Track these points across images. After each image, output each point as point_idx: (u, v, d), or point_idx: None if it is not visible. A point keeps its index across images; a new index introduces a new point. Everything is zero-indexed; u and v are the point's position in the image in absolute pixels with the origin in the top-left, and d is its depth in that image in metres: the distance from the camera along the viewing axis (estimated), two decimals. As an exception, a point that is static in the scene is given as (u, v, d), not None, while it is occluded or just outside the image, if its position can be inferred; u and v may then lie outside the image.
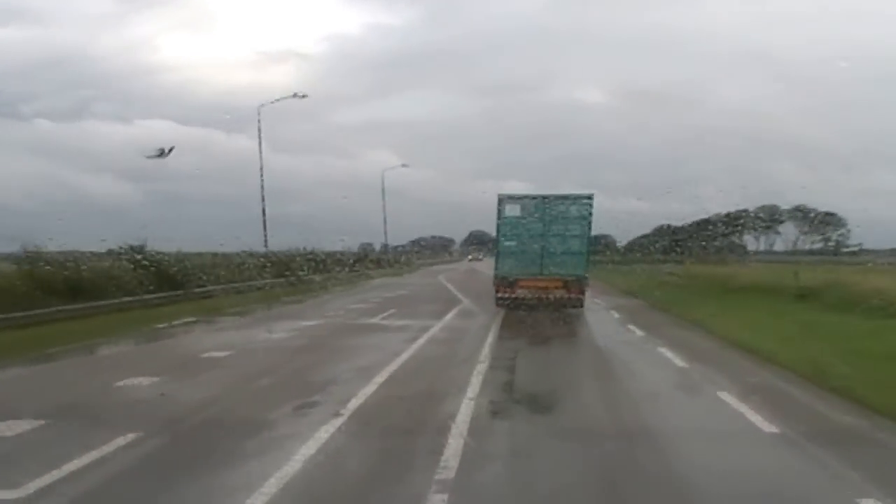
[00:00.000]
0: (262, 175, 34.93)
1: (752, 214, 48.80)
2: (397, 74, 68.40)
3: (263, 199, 34.32)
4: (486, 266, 35.30)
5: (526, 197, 21.42)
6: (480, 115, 62.41)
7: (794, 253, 52.94)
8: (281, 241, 35.32)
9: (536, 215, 20.99)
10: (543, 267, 20.91)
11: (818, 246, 54.97)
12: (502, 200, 21.00)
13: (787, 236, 56.45)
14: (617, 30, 62.59)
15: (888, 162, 56.11)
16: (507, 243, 21.17)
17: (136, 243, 24.30)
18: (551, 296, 20.78)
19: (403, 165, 48.59)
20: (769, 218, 51.59)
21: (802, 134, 54.88)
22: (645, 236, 40.30)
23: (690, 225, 39.57)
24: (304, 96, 35.25)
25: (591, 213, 20.87)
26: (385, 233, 47.46)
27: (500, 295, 21.14)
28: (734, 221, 46.33)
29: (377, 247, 55.71)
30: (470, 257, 68.28)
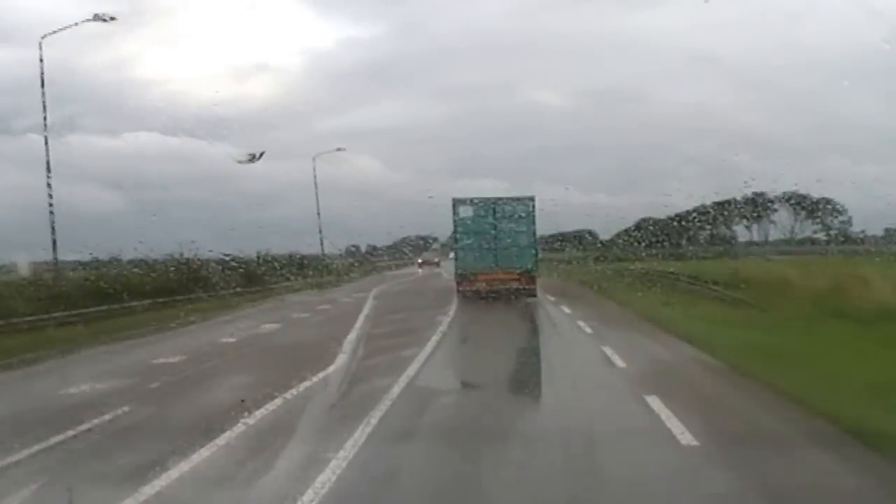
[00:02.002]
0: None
1: (740, 203, 49.52)
2: (370, 84, 72.35)
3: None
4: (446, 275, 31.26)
5: (477, 199, 24.03)
6: (453, 119, 65.81)
7: (792, 242, 53.46)
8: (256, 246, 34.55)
9: (487, 216, 23.64)
10: (497, 261, 23.51)
11: (820, 235, 54.88)
12: (456, 203, 23.65)
13: (781, 225, 56.38)
14: (576, 35, 65.39)
15: (841, 149, 57.46)
16: (464, 241, 23.83)
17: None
18: (507, 287, 23.41)
19: (339, 149, 38.56)
20: (760, 206, 52.22)
21: (755, 125, 56.38)
22: (627, 231, 41.88)
23: (673, 217, 40.98)
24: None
25: (534, 213, 23.55)
26: (321, 238, 38.25)
27: (461, 288, 23.82)
28: (721, 211, 47.50)
29: (363, 248, 51.09)
30: (420, 260, 49.97)
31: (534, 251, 23.83)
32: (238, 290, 26.18)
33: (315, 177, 38.46)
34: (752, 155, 52.35)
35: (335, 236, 47.48)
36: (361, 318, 19.20)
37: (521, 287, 23.28)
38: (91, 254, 24.52)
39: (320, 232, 38.18)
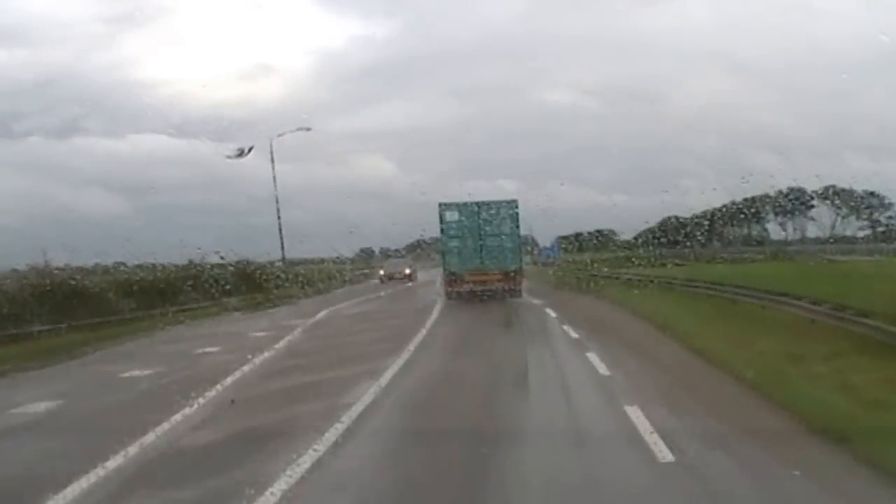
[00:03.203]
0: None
1: (772, 198, 47.97)
2: (381, 84, 71.87)
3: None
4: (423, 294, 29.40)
5: (463, 204, 24.88)
6: (465, 119, 65.02)
7: (839, 241, 51.13)
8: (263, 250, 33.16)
9: (473, 219, 24.47)
10: (483, 262, 24.32)
11: (866, 232, 52.41)
12: (442, 208, 24.63)
13: (821, 222, 53.89)
14: (590, 33, 64.29)
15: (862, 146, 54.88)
16: (451, 244, 24.71)
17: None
18: (493, 287, 24.21)
19: (302, 128, 31.98)
20: (796, 202, 50.49)
21: (775, 124, 54.38)
22: (649, 230, 41.40)
23: (699, 215, 40.28)
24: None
25: (518, 216, 24.34)
26: (281, 239, 32.95)
27: (449, 289, 24.77)
28: (753, 208, 46.38)
29: (377, 251, 47.55)
30: (383, 272, 40.19)
31: (518, 252, 24.57)
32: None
33: (273, 161, 32.08)
34: (774, 153, 50.99)
35: (348, 239, 46.29)
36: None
37: (507, 287, 24.03)
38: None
39: (280, 232, 32.82)
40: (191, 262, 26.19)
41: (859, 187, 47.88)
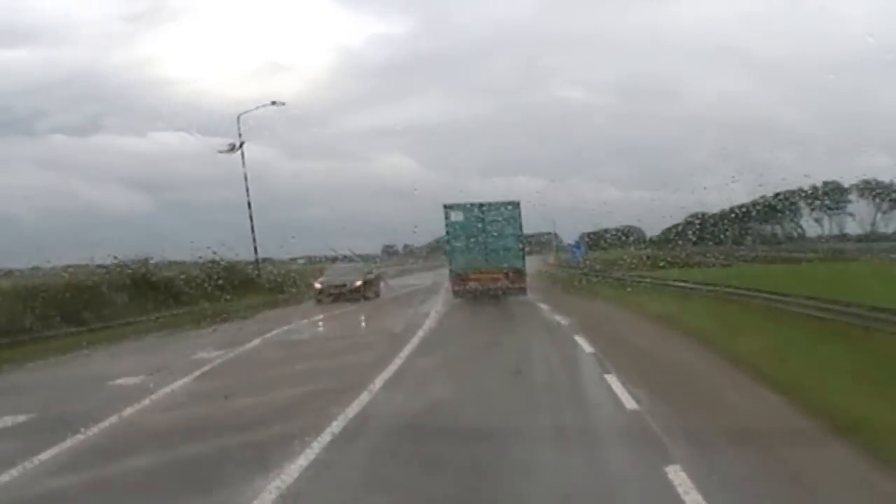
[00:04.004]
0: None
1: (807, 193, 46.48)
2: (400, 81, 71.92)
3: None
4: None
5: (467, 205, 25.32)
6: (484, 116, 64.73)
7: (879, 238, 49.34)
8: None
9: (477, 220, 24.93)
10: (487, 262, 24.75)
11: None
12: (447, 209, 25.13)
13: (860, 217, 51.83)
14: (610, 29, 63.42)
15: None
16: (456, 244, 25.20)
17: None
18: (497, 285, 24.66)
19: (275, 103, 28.49)
20: (831, 197, 48.90)
21: (788, 120, 52.68)
22: (675, 227, 40.62)
23: (728, 211, 39.41)
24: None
25: (520, 215, 24.81)
26: (253, 234, 29.68)
27: (455, 288, 25.32)
28: (785, 203, 45.20)
29: (400, 249, 45.70)
30: (319, 284, 27.69)
31: (521, 251, 25.02)
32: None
33: (241, 142, 28.74)
34: (795, 151, 49.70)
35: (371, 236, 45.58)
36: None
37: (510, 285, 24.47)
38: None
39: (252, 231, 29.94)
40: (113, 263, 22.40)
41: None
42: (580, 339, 14.24)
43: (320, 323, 22.10)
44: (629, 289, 23.35)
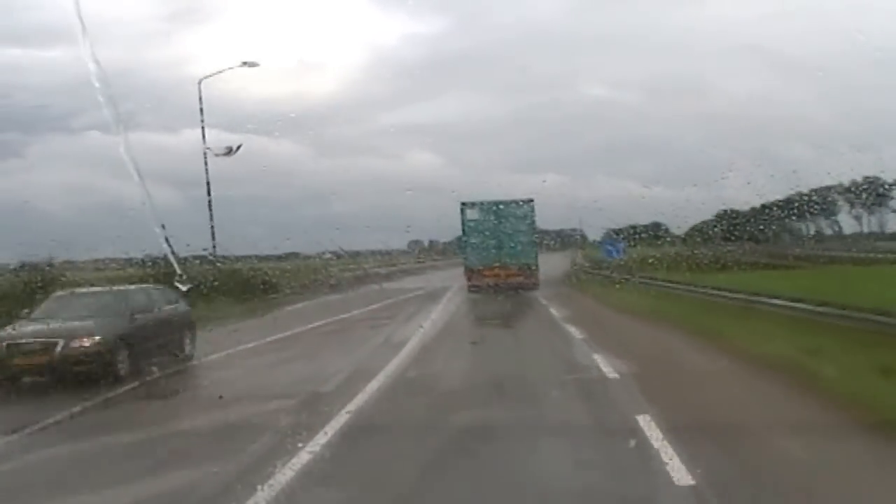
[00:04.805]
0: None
1: (846, 189, 45.52)
2: (430, 79, 72.54)
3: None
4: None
5: (483, 203, 26.44)
6: (512, 114, 64.97)
7: None
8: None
9: (492, 217, 26.05)
10: (501, 258, 25.85)
11: None
12: (464, 206, 26.28)
13: None
14: (639, 27, 62.89)
15: None
16: (472, 241, 26.37)
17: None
18: (510, 281, 25.70)
19: (248, 64, 24.58)
20: (871, 192, 47.67)
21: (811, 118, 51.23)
22: (705, 224, 40.33)
23: (761, 208, 39.07)
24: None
25: (533, 214, 25.83)
26: (212, 228, 25.68)
27: (471, 283, 26.43)
28: (823, 199, 44.36)
29: (426, 244, 45.54)
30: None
31: (534, 248, 26.00)
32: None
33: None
34: (822, 149, 48.45)
35: (398, 231, 45.10)
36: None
37: (523, 281, 25.49)
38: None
39: (211, 217, 25.65)
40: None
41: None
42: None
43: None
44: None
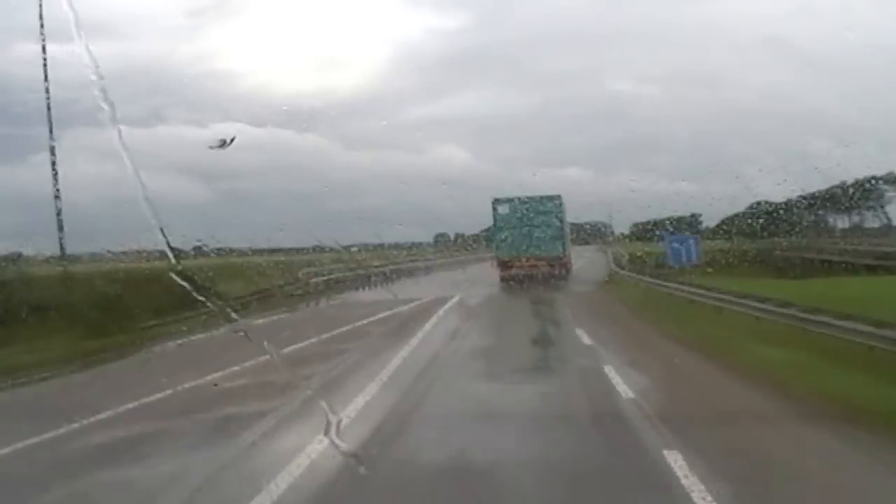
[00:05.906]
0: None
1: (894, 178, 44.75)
2: (454, 74, 73.11)
3: None
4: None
5: (513, 199, 28.19)
6: (535, 108, 65.10)
7: None
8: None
9: (521, 212, 27.81)
10: (529, 250, 27.63)
11: None
12: (495, 202, 28.08)
13: None
14: (663, 21, 62.43)
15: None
16: (503, 234, 28.20)
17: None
18: (538, 272, 27.47)
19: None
20: None
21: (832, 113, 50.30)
22: (737, 215, 40.29)
23: (798, 200, 38.85)
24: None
25: (562, 208, 27.46)
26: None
27: (502, 273, 28.25)
28: (865, 187, 43.89)
29: (452, 237, 42.24)
30: None
31: (562, 240, 27.70)
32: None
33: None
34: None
35: (424, 224, 44.88)
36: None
37: (551, 271, 27.24)
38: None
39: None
40: None
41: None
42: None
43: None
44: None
